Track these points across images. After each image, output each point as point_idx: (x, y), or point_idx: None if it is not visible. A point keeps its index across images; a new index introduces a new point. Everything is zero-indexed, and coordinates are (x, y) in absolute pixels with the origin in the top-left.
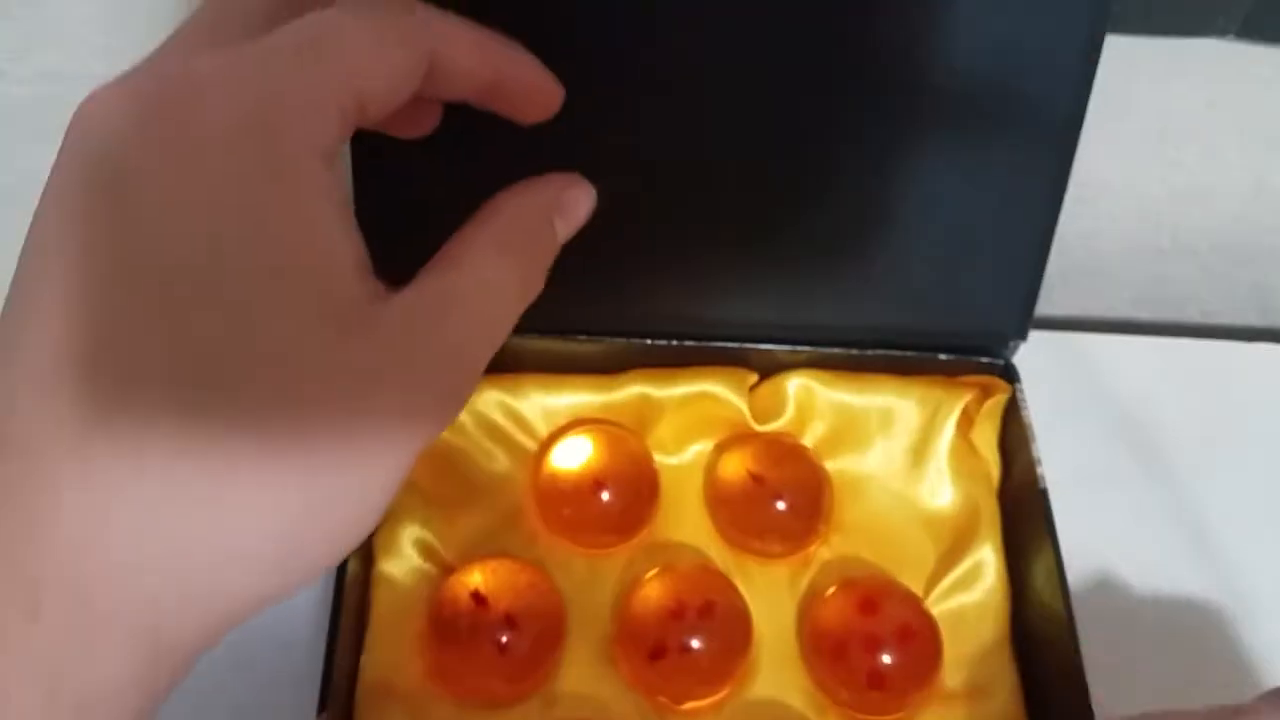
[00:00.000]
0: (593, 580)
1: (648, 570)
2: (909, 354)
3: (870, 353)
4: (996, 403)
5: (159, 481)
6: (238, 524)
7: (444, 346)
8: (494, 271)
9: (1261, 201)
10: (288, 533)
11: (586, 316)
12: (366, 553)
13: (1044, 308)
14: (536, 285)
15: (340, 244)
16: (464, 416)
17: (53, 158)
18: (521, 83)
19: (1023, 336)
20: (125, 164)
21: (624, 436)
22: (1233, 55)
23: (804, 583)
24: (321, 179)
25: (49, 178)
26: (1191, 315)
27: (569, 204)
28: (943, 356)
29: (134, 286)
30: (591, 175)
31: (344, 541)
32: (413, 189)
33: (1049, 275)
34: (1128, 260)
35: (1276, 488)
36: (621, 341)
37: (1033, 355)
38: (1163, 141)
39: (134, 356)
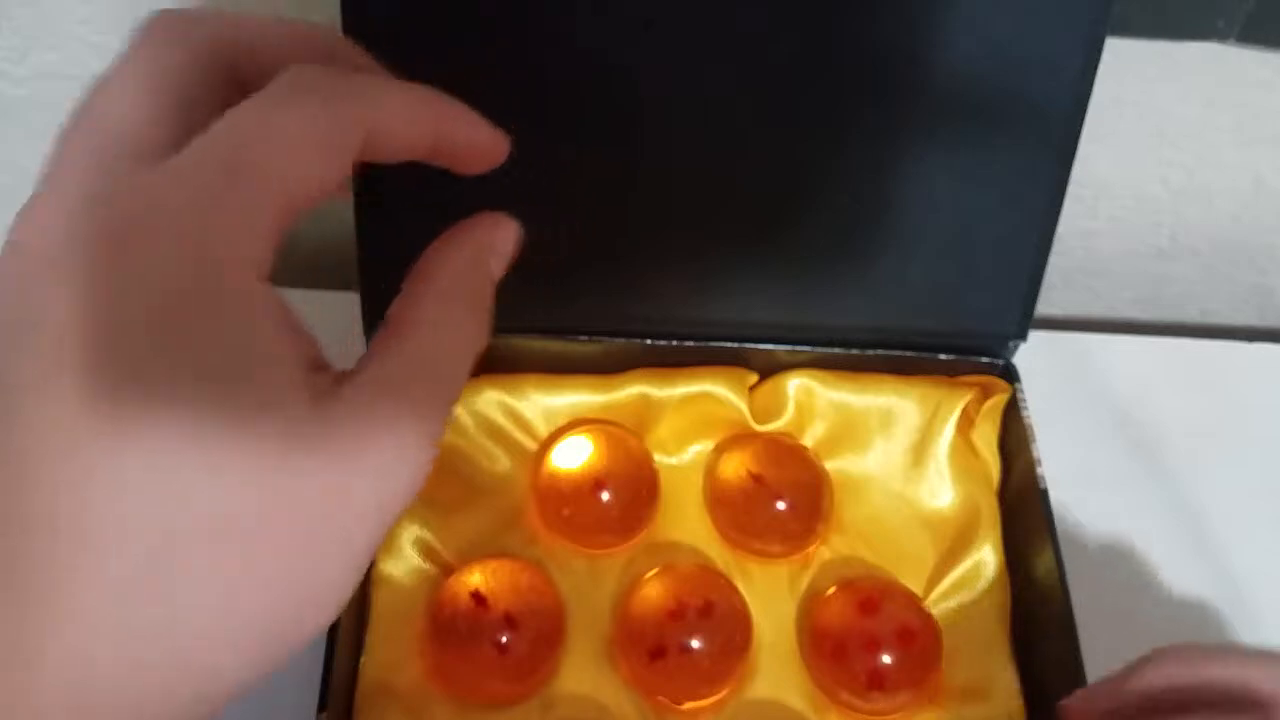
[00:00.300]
0: (593, 580)
1: (648, 570)
2: (909, 354)
3: (870, 353)
4: (996, 403)
5: (160, 477)
6: (229, 554)
7: (404, 425)
8: (445, 333)
9: (1261, 201)
10: (267, 603)
11: (586, 316)
12: None
13: (1044, 308)
14: (485, 333)
15: (282, 354)
16: (464, 416)
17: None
18: (459, 142)
19: (1023, 336)
20: (85, 257)
21: (624, 437)
22: (1232, 57)
23: (804, 583)
24: (258, 295)
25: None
26: (1191, 315)
27: (500, 244)
28: (943, 356)
29: (131, 324)
30: (593, 176)
31: (314, 619)
32: (412, 179)
33: (1049, 275)
34: (1128, 260)
35: (1276, 487)
36: (621, 341)
37: (1033, 355)
38: (1162, 142)
39: (137, 363)
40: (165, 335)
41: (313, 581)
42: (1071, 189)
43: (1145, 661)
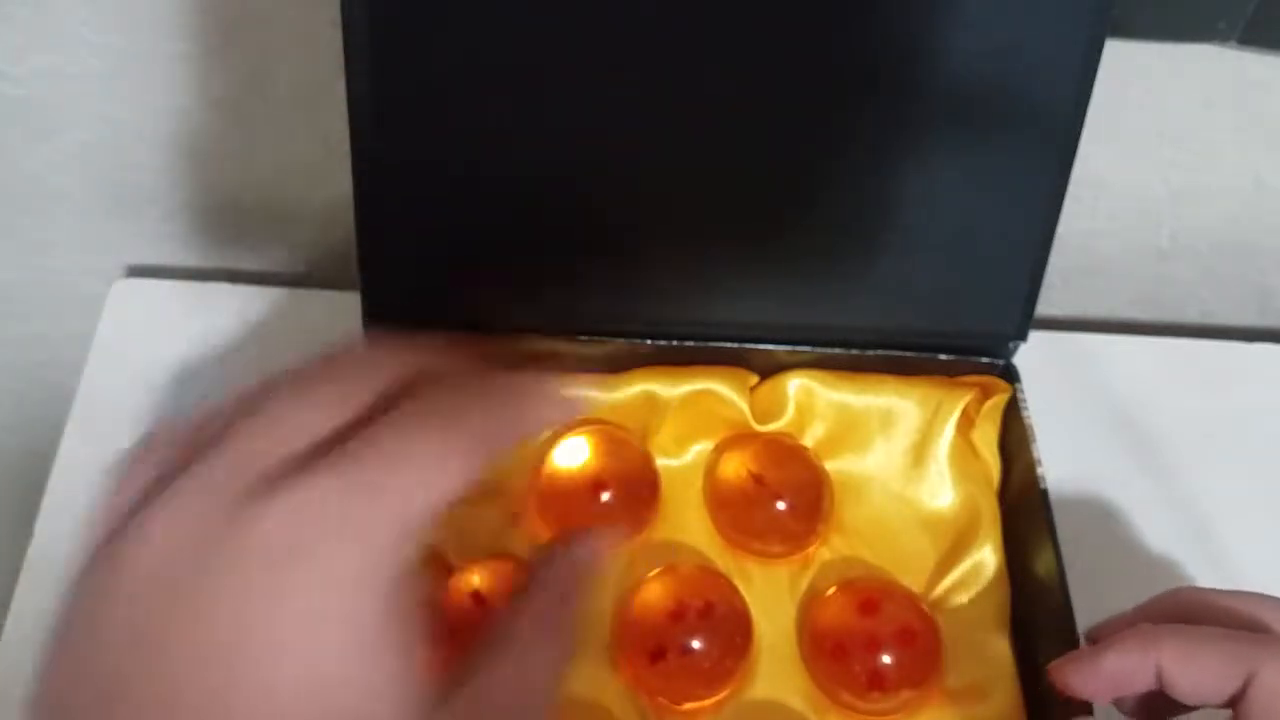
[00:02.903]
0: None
1: (648, 571)
2: (909, 354)
3: (870, 353)
4: (996, 403)
5: None
6: None
7: None
8: (534, 654)
9: (1261, 201)
10: None
11: (587, 316)
12: None
13: (1044, 308)
14: (570, 654)
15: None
16: None
17: (51, 157)
18: None
19: (1023, 337)
20: None
21: (624, 437)
22: (1232, 58)
23: (804, 583)
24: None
25: None
26: (1191, 315)
27: (597, 566)
28: (943, 356)
29: None
30: (594, 176)
31: None
32: (413, 179)
33: (1049, 275)
34: (1128, 260)
35: (1276, 487)
36: (623, 342)
37: (1033, 355)
38: (1162, 142)
39: None
40: None
41: None
42: (1071, 189)
43: (1160, 595)
